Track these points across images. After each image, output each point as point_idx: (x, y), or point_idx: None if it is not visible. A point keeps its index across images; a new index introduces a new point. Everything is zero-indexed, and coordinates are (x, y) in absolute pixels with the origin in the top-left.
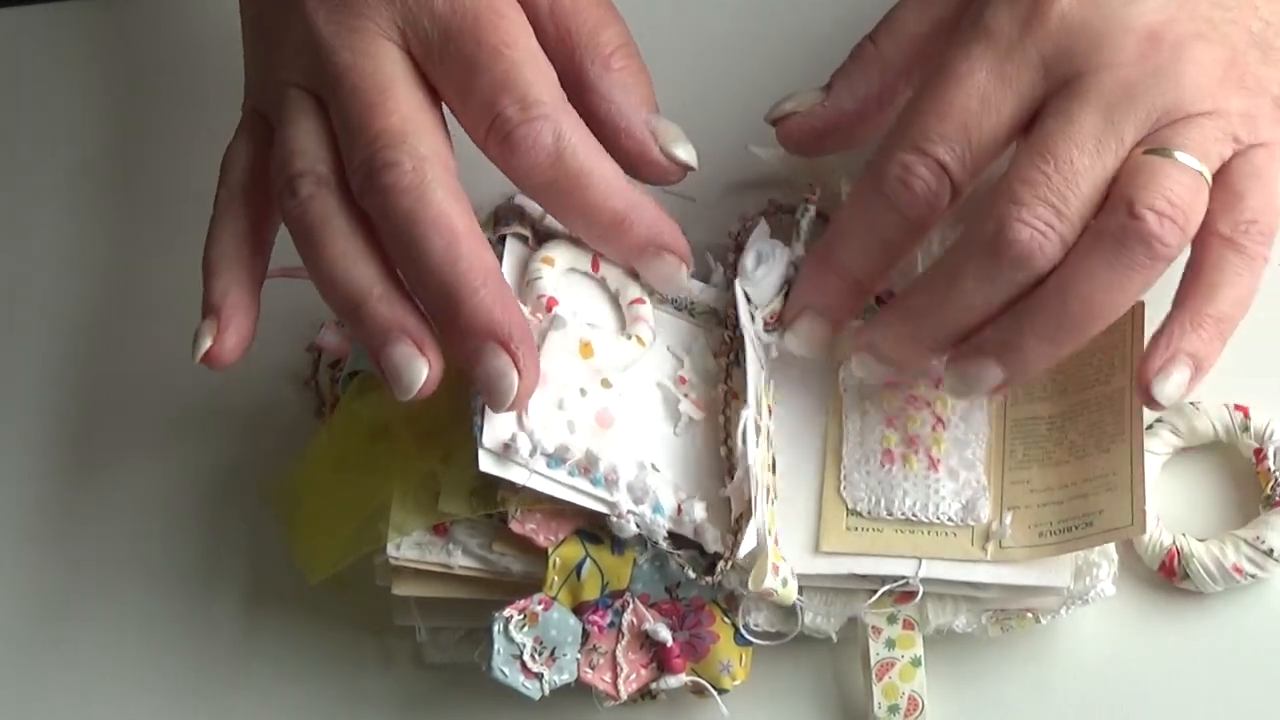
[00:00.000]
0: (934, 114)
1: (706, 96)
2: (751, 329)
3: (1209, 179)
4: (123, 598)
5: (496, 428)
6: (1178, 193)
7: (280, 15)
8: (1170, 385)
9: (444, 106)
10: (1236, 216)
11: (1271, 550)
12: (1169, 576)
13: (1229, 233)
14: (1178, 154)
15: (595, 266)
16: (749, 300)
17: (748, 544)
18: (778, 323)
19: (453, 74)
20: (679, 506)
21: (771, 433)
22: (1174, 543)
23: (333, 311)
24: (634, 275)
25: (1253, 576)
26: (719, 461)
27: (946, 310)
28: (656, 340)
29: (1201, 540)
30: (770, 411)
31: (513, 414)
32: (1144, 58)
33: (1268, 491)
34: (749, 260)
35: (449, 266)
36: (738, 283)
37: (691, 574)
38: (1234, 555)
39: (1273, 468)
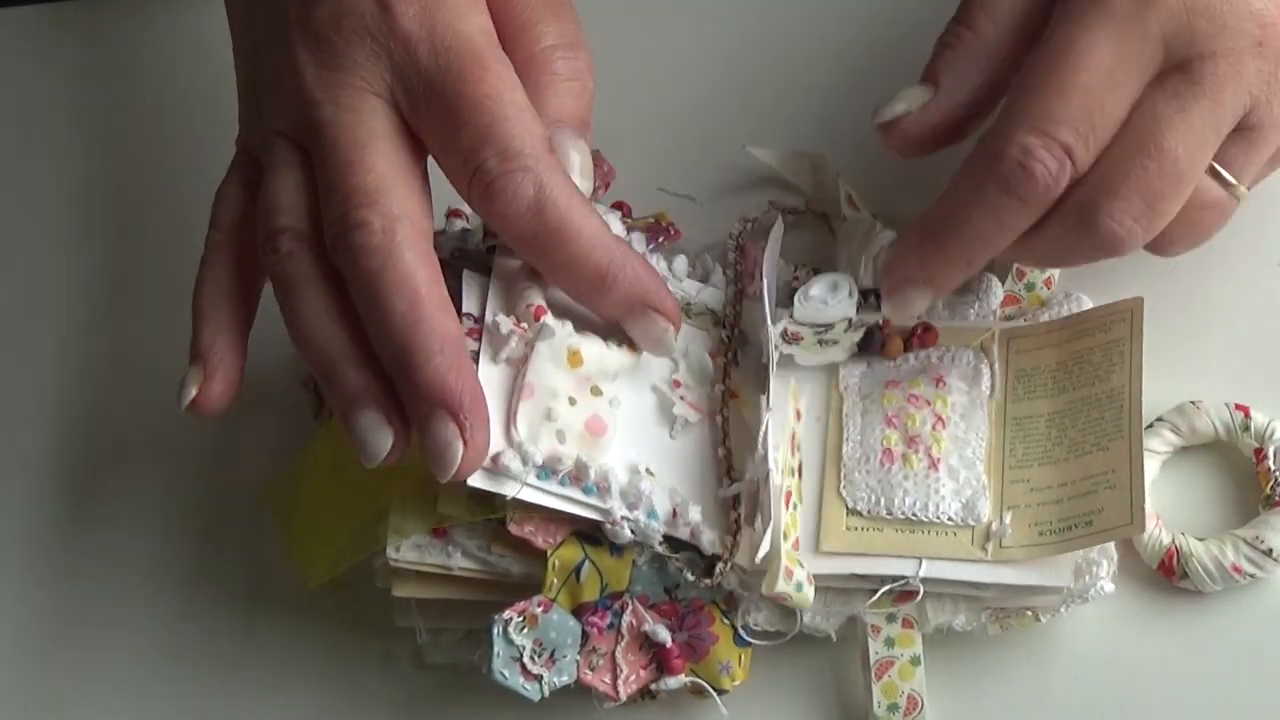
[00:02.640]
0: (1055, 93)
1: (705, 97)
2: (775, 338)
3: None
4: (122, 601)
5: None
6: (1211, 229)
7: (273, 62)
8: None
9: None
10: None
11: (1271, 550)
12: (1168, 576)
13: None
14: (1241, 191)
15: None
16: (771, 309)
17: (764, 549)
18: (870, 297)
19: (436, 126)
20: (674, 510)
21: (800, 438)
22: (1173, 542)
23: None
24: None
25: (1252, 576)
26: (717, 463)
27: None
28: None
29: (1201, 539)
30: (800, 416)
31: (501, 426)
32: (1261, 47)
33: (1267, 491)
34: (818, 287)
35: (409, 330)
36: (765, 285)
37: (690, 576)
38: (1233, 555)
39: (1273, 467)
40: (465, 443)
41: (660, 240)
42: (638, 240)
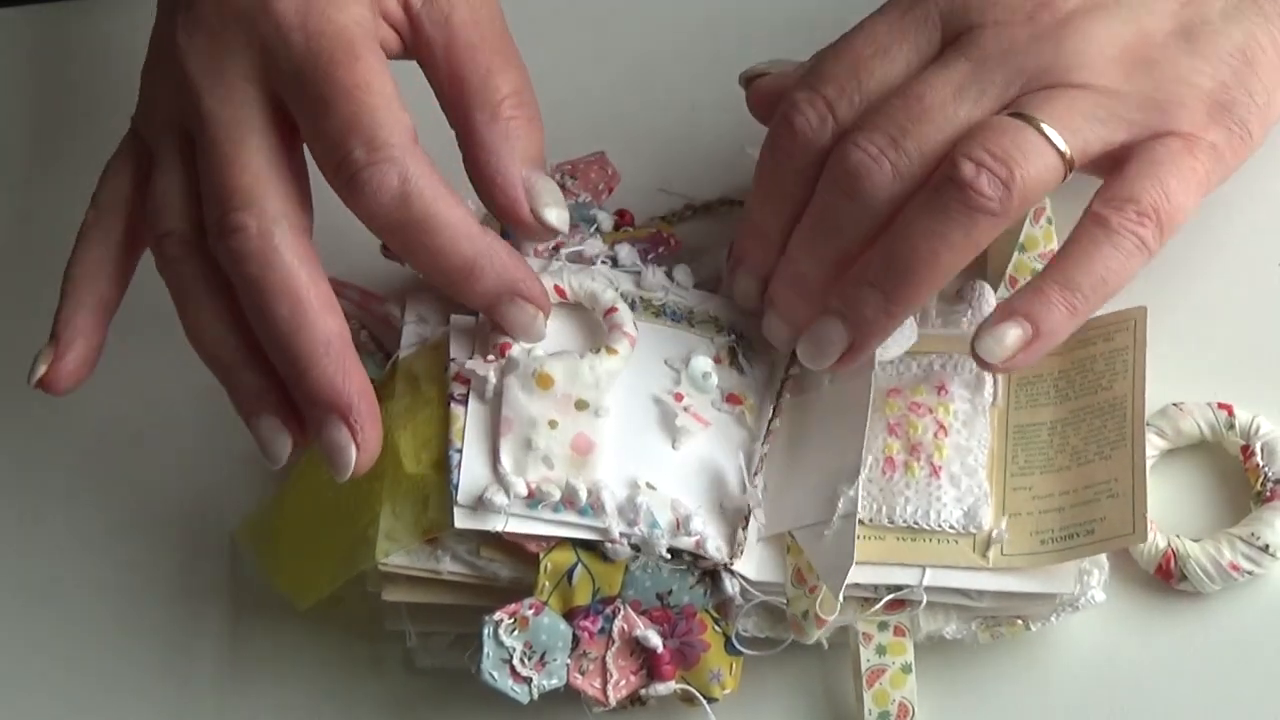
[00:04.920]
0: (831, 58)
1: (705, 98)
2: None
3: (1062, 148)
4: (112, 606)
5: (472, 482)
6: (1004, 147)
7: (164, 47)
8: (993, 340)
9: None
10: (1112, 193)
11: (1267, 546)
12: (1166, 579)
13: (1098, 208)
14: (1032, 116)
15: (561, 293)
16: None
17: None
18: None
19: (305, 113)
20: (677, 521)
21: None
22: (1169, 545)
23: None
24: (609, 284)
25: (1250, 574)
26: (732, 471)
27: (813, 249)
28: (651, 353)
29: (1196, 540)
30: None
31: (488, 464)
32: (1032, 20)
33: (1258, 487)
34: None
35: (292, 335)
36: None
37: (701, 589)
38: (1230, 553)
39: (1261, 463)
40: (358, 445)
41: (660, 250)
42: (626, 252)
